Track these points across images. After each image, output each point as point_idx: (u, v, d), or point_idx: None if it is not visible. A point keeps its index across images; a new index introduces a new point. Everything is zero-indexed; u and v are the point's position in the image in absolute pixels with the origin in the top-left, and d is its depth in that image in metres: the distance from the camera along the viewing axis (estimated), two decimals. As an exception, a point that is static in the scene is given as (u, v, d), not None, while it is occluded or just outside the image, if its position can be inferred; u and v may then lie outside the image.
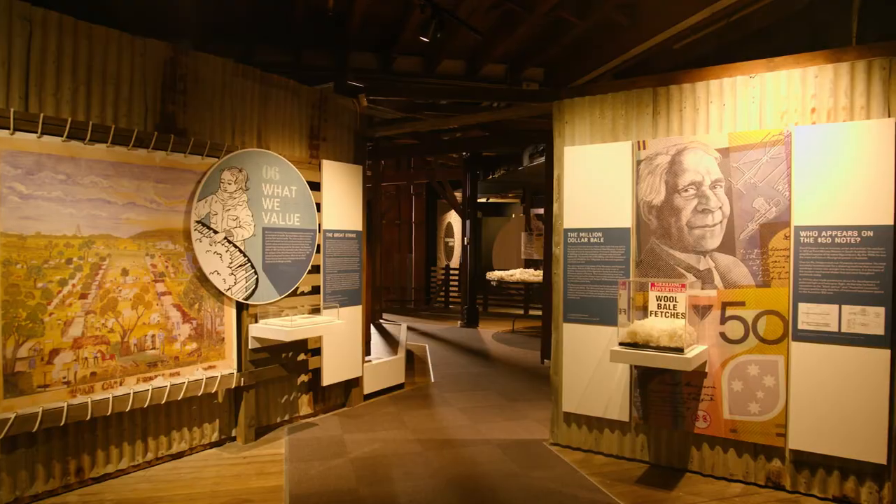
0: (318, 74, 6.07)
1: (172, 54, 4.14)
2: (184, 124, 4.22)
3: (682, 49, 5.67)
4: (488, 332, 9.91)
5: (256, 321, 4.61)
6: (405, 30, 5.58)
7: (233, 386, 4.44)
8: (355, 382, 5.51)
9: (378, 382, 5.82)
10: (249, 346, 4.55)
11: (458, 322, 10.67)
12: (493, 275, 10.15)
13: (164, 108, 4.11)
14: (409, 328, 10.31)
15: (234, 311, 4.48)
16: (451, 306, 12.53)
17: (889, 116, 3.42)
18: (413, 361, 7.51)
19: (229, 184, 4.39)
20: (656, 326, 3.73)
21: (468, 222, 10.11)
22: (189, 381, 4.15)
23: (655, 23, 5.29)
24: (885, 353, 3.40)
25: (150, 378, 4.00)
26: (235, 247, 4.44)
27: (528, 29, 5.49)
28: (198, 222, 4.20)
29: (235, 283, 4.42)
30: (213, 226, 4.29)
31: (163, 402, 4.01)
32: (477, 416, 5.25)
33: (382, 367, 5.87)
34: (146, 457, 4.06)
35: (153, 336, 4.03)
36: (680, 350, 3.60)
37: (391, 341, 7.56)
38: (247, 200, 4.51)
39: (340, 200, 5.25)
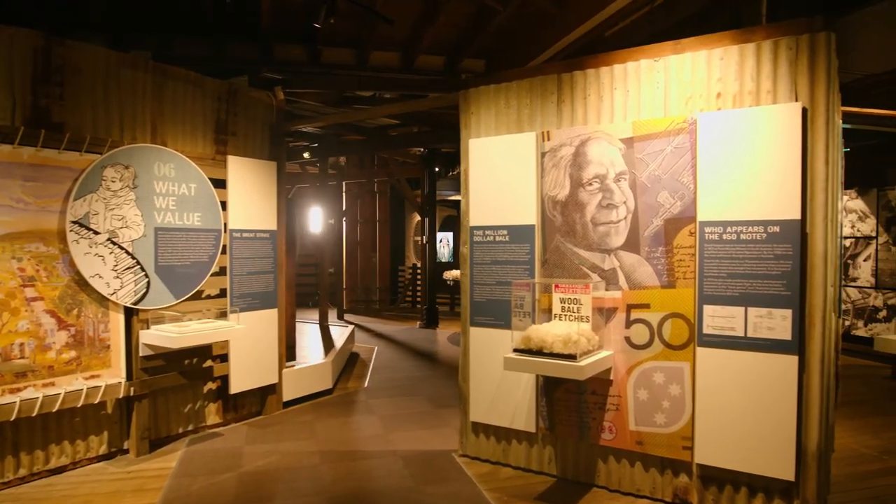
0: (240, 67, 5.75)
1: (44, 43, 3.80)
2: (61, 118, 3.89)
3: (615, 37, 5.33)
4: (445, 334, 9.56)
5: (149, 327, 4.29)
6: (321, 19, 5.26)
7: (121, 396, 4.11)
8: (272, 389, 5.18)
9: (301, 389, 5.49)
10: (141, 354, 4.22)
11: (418, 323, 10.33)
12: (449, 274, 9.81)
13: (35, 102, 3.78)
14: (366, 329, 9.99)
15: (121, 317, 4.15)
16: (417, 306, 12.19)
17: (796, 100, 3.09)
18: (354, 365, 7.18)
19: (113, 181, 4.06)
20: (552, 331, 3.40)
21: (426, 220, 9.76)
22: (66, 392, 3.82)
23: (582, 9, 4.95)
24: (793, 360, 3.07)
25: (18, 389, 3.67)
26: (122, 248, 4.11)
27: (451, 17, 5.16)
28: (74, 223, 3.87)
29: (122, 287, 4.10)
30: (93, 226, 3.96)
31: (34, 413, 3.68)
32: (396, 424, 4.92)
33: (306, 373, 5.54)
34: (18, 472, 3.74)
35: (21, 344, 3.70)
36: (573, 357, 3.27)
37: (332, 344, 7.23)
38: (135, 199, 4.18)
39: (250, 198, 4.92)
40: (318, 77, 6.00)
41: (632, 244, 3.52)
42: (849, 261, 7.58)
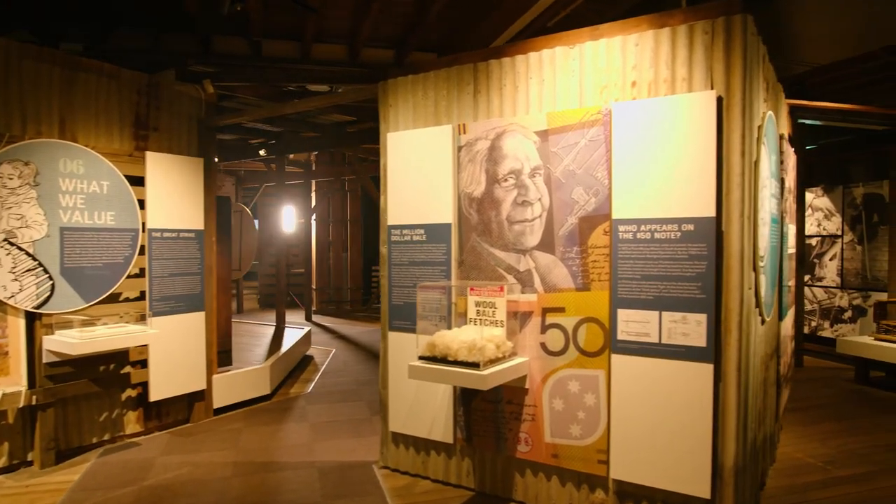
0: (178, 60, 5.48)
1: (-70, 31, 3.56)
2: (-48, 111, 3.65)
3: (557, 27, 5.09)
4: (411, 334, 9.31)
5: (54, 332, 4.04)
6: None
7: (21, 405, 3.86)
8: (200, 396, 4.93)
9: (235, 395, 5.24)
10: (45, 360, 3.97)
11: (389, 323, 10.05)
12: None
13: (-78, 93, 3.54)
14: (330, 331, 9.74)
15: (22, 322, 3.90)
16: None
17: (711, 88, 2.84)
18: (304, 369, 6.93)
19: (10, 178, 3.81)
20: (458, 338, 3.15)
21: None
22: (-43, 402, 3.59)
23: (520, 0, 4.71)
24: (708, 369, 2.82)
25: None
26: (21, 249, 3.86)
27: (385, 5, 4.90)
28: (-35, 222, 3.63)
29: (21, 291, 3.85)
30: (-13, 226, 3.72)
31: (-82, 426, 3.45)
32: (326, 432, 4.67)
33: (239, 379, 5.29)
34: None
35: None
36: (477, 365, 3.02)
37: (279, 348, 6.97)
38: (36, 197, 3.93)
39: (173, 196, 4.67)
40: (256, 70, 5.73)
41: (547, 244, 3.27)
42: (815, 260, 7.33)
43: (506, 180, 3.39)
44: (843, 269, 7.01)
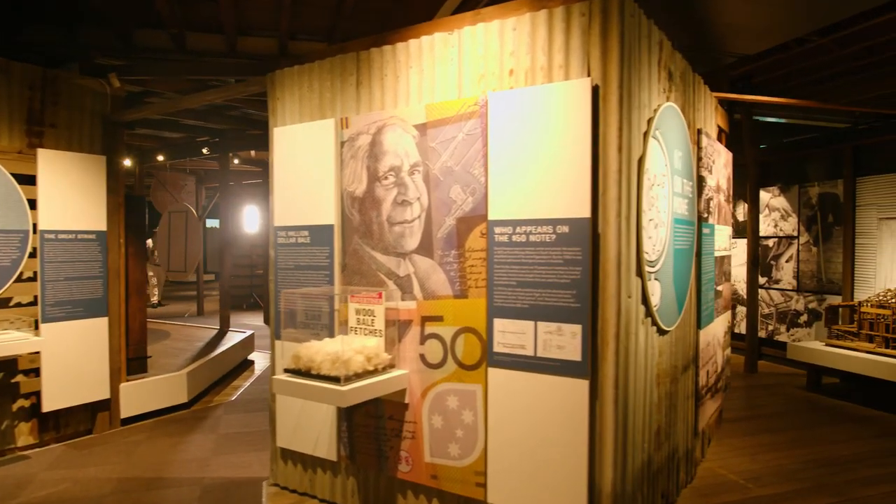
0: (95, 54, 5.21)
1: None
2: None
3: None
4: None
5: (-73, 340, 3.77)
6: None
7: None
8: (105, 405, 4.65)
9: (146, 404, 4.95)
10: (-85, 370, 3.70)
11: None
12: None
13: None
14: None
15: None
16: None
17: (588, 76, 2.56)
18: (237, 375, 6.65)
19: None
20: (323, 349, 2.86)
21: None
22: None
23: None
24: (584, 385, 2.54)
25: None
26: None
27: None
28: None
29: None
30: None
31: None
32: (229, 445, 4.39)
33: (151, 387, 5.00)
34: None
35: None
36: (338, 380, 2.74)
37: (209, 353, 6.69)
38: None
39: (70, 196, 4.38)
40: (178, 65, 5.45)
41: (426, 247, 2.99)
42: (771, 262, 7.03)
43: (386, 178, 3.11)
44: (798, 272, 6.71)
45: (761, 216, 7.08)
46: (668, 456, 3.22)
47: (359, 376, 2.81)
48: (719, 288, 4.33)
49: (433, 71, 2.98)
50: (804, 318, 6.65)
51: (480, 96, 2.80)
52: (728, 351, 4.74)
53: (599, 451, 2.53)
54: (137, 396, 4.88)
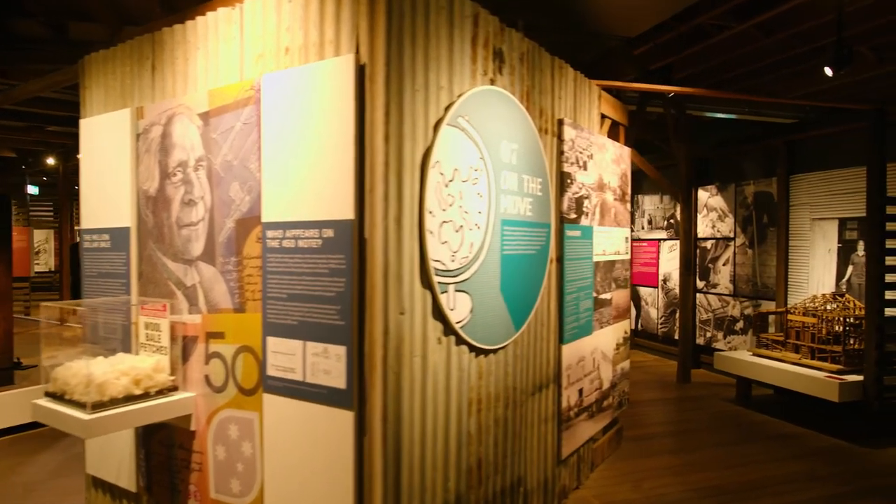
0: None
1: None
2: None
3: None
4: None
5: None
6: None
7: None
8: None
9: (5, 419, 4.56)
10: None
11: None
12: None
13: None
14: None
15: None
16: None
17: (357, 52, 2.15)
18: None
19: None
20: (83, 371, 2.47)
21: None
22: None
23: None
24: (349, 417, 2.13)
25: None
26: None
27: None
28: None
29: None
30: None
31: None
32: (73, 467, 3.97)
33: (10, 401, 4.60)
34: None
35: None
36: (84, 406, 2.34)
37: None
38: None
39: None
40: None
41: (209, 253, 2.59)
42: (709, 265, 6.59)
43: (175, 174, 2.71)
44: (735, 275, 6.26)
45: (700, 216, 6.64)
46: (501, 491, 2.80)
47: (117, 402, 2.42)
48: (606, 296, 3.90)
49: (218, 52, 2.59)
50: (740, 324, 6.19)
51: (256, 79, 2.40)
52: (625, 364, 4.31)
53: (369, 495, 2.12)
54: (-5, 411, 4.50)
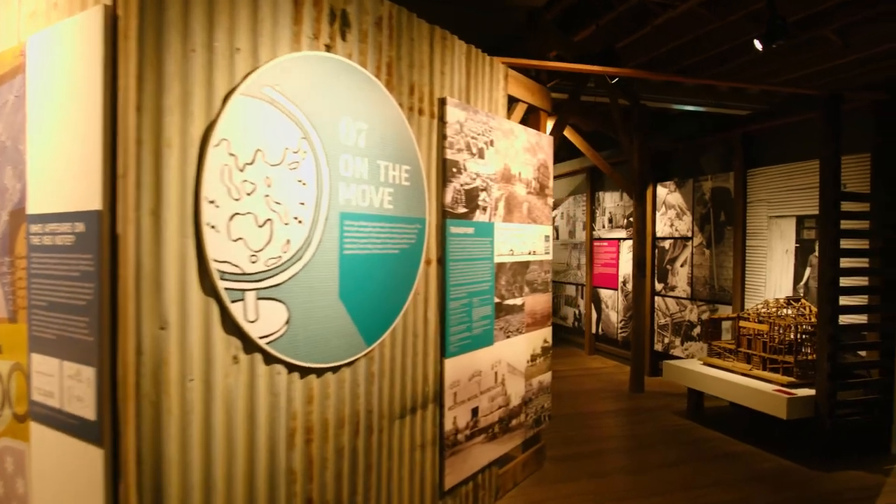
0: None
1: None
2: None
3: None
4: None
5: None
6: None
7: None
8: None
9: None
10: None
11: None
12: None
13: None
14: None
15: None
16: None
17: (115, 1, 1.71)
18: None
19: None
20: None
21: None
22: None
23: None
24: (98, 455, 1.70)
25: None
26: None
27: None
28: None
29: None
30: None
31: None
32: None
33: None
34: None
35: None
36: None
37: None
38: None
39: None
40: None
41: (-11, 251, 2.17)
42: (668, 266, 6.11)
43: None
44: (692, 277, 5.79)
45: (658, 214, 6.17)
46: (347, 531, 2.37)
47: None
48: (516, 301, 3.44)
49: (4, 10, 2.16)
50: (698, 330, 5.72)
51: (25, 43, 1.97)
52: (545, 377, 3.86)
53: (125, 553, 1.69)
54: None
